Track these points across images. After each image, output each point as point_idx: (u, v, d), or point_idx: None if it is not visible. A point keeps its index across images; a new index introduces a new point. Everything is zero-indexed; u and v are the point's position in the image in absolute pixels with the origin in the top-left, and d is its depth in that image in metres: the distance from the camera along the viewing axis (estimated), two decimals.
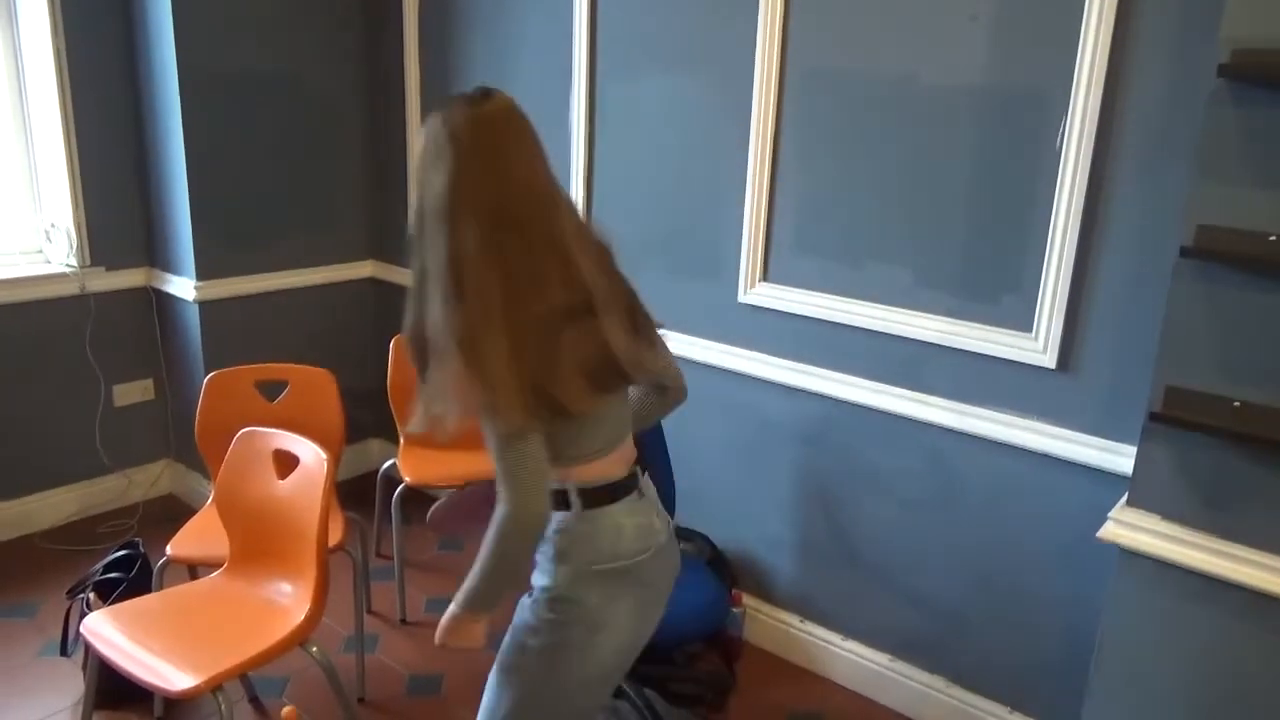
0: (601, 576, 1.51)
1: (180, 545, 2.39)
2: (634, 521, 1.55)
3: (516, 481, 1.39)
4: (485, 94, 1.45)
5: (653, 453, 2.54)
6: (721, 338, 2.71)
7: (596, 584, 1.51)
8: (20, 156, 3.21)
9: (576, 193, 2.94)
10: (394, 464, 2.94)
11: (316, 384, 2.64)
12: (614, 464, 1.55)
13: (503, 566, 1.45)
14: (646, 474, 1.64)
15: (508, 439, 1.38)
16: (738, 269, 2.62)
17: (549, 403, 1.40)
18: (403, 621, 2.88)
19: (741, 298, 2.63)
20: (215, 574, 2.21)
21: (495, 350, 1.36)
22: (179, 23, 2.99)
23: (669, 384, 1.71)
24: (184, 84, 3.04)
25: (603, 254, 1.54)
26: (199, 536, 2.43)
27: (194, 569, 2.42)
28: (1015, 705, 2.37)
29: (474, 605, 1.50)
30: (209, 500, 2.55)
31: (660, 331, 1.69)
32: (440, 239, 1.40)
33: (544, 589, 1.53)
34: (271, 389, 2.67)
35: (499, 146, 1.41)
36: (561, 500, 1.50)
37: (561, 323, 1.42)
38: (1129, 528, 1.74)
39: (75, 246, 3.21)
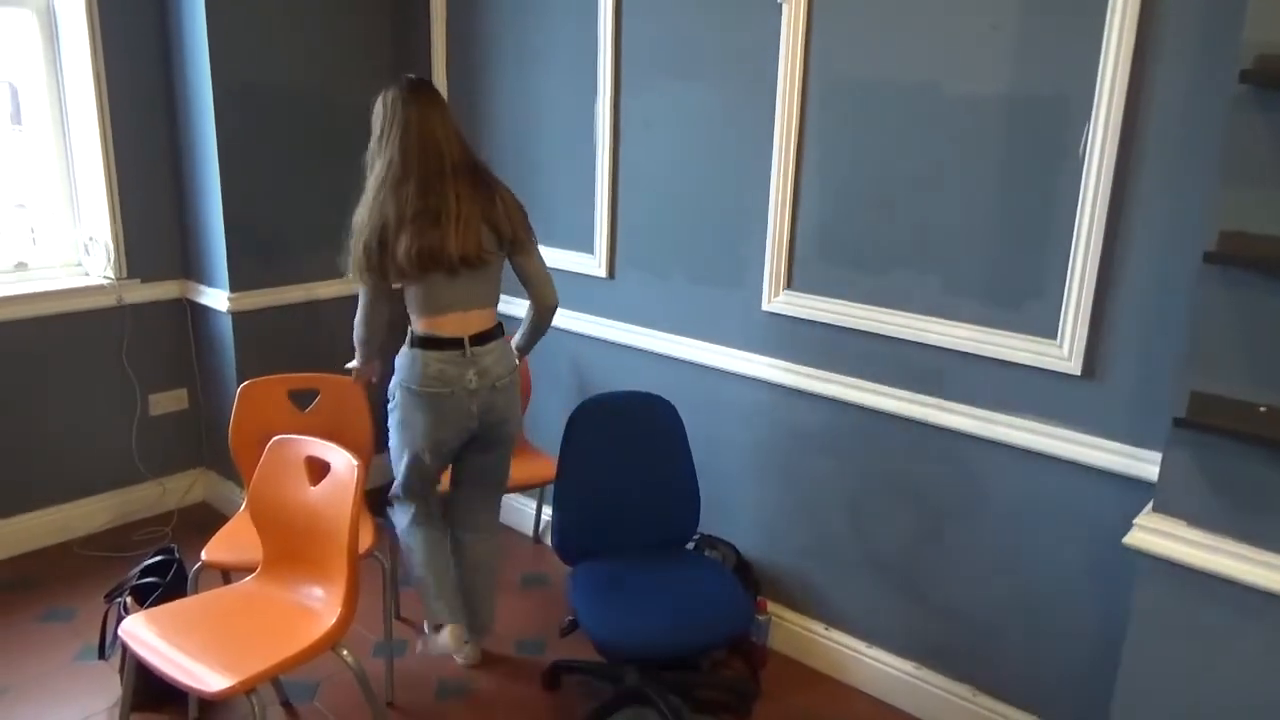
0: (408, 391, 2.39)
1: (214, 551, 2.44)
2: (439, 367, 2.34)
3: (359, 305, 2.43)
4: (416, 81, 2.35)
5: (677, 460, 2.57)
6: (745, 346, 2.73)
7: (405, 394, 2.40)
8: (60, 172, 3.31)
9: (601, 201, 2.98)
10: None
11: (346, 393, 2.69)
12: (445, 325, 2.35)
13: (357, 344, 2.52)
14: (495, 355, 2.40)
15: (362, 287, 2.38)
16: (761, 277, 2.64)
17: (385, 267, 2.29)
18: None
19: (765, 306, 2.65)
20: (249, 578, 2.25)
21: (361, 230, 2.30)
22: (214, 42, 3.07)
23: (531, 293, 2.48)
24: (218, 101, 3.11)
25: (490, 197, 2.34)
26: (232, 542, 2.48)
27: (227, 574, 2.47)
28: (1040, 714, 2.36)
29: (361, 357, 2.57)
30: (242, 506, 2.60)
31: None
32: (371, 158, 2.34)
33: (391, 385, 2.45)
34: (303, 398, 2.72)
35: (411, 112, 2.28)
36: (409, 336, 2.41)
37: (413, 218, 2.26)
38: (1155, 534, 1.73)
39: (112, 259, 3.29)
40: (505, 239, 2.37)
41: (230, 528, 2.56)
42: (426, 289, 2.33)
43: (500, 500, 2.72)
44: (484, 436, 2.48)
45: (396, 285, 2.38)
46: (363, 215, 2.32)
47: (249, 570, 2.28)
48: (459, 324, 2.35)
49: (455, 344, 2.35)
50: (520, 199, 2.47)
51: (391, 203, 2.27)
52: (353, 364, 2.61)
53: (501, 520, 3.56)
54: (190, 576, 2.45)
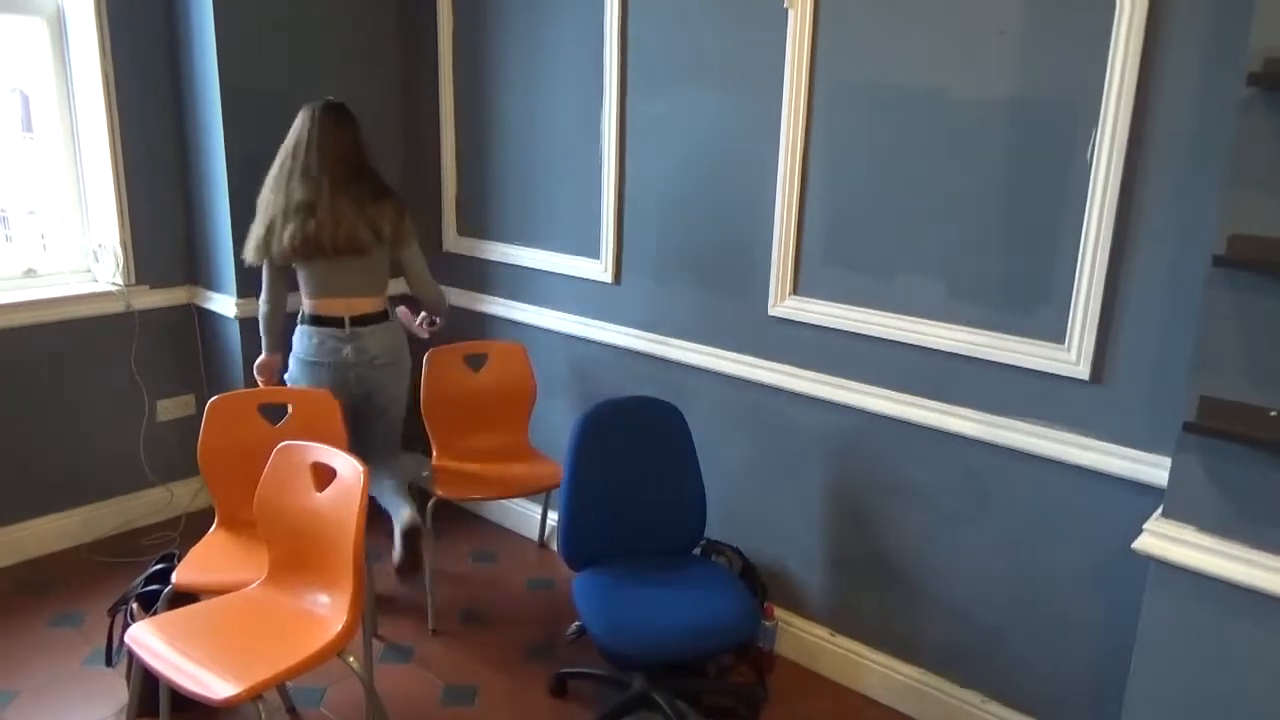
0: (299, 360, 2.82)
1: (185, 573, 2.34)
2: (319, 341, 2.77)
3: (262, 287, 2.83)
4: (330, 103, 2.78)
5: (683, 466, 2.57)
6: (752, 351, 2.72)
7: (295, 363, 2.83)
8: (70, 179, 3.32)
9: (608, 206, 2.98)
10: (428, 477, 2.99)
11: (319, 406, 2.61)
12: (328, 307, 2.77)
13: (261, 325, 2.88)
14: (375, 336, 2.81)
15: (263, 270, 2.79)
16: (768, 282, 2.64)
17: (273, 252, 2.70)
18: (434, 632, 2.90)
19: (772, 310, 2.64)
20: (254, 585, 2.25)
21: (258, 217, 2.74)
22: (222, 50, 3.08)
23: (411, 287, 2.93)
24: (226, 108, 3.13)
25: (374, 198, 2.75)
26: (204, 563, 2.39)
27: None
28: None
29: (265, 348, 2.90)
30: (214, 527, 2.53)
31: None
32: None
33: (290, 357, 2.86)
34: (274, 413, 2.62)
35: (312, 123, 2.73)
36: (299, 314, 2.83)
37: (296, 210, 2.67)
38: (1164, 539, 1.72)
39: (121, 265, 3.30)
40: (384, 238, 2.74)
41: (200, 549, 2.45)
42: (312, 273, 2.73)
43: (397, 470, 2.97)
44: (366, 407, 2.87)
45: (285, 267, 2.75)
46: (259, 204, 2.72)
47: (222, 592, 2.22)
48: (343, 306, 2.76)
49: (337, 322, 2.75)
50: (407, 204, 2.91)
51: (281, 195, 2.67)
52: (258, 360, 2.89)
53: (507, 525, 3.58)
54: (161, 600, 2.35)
